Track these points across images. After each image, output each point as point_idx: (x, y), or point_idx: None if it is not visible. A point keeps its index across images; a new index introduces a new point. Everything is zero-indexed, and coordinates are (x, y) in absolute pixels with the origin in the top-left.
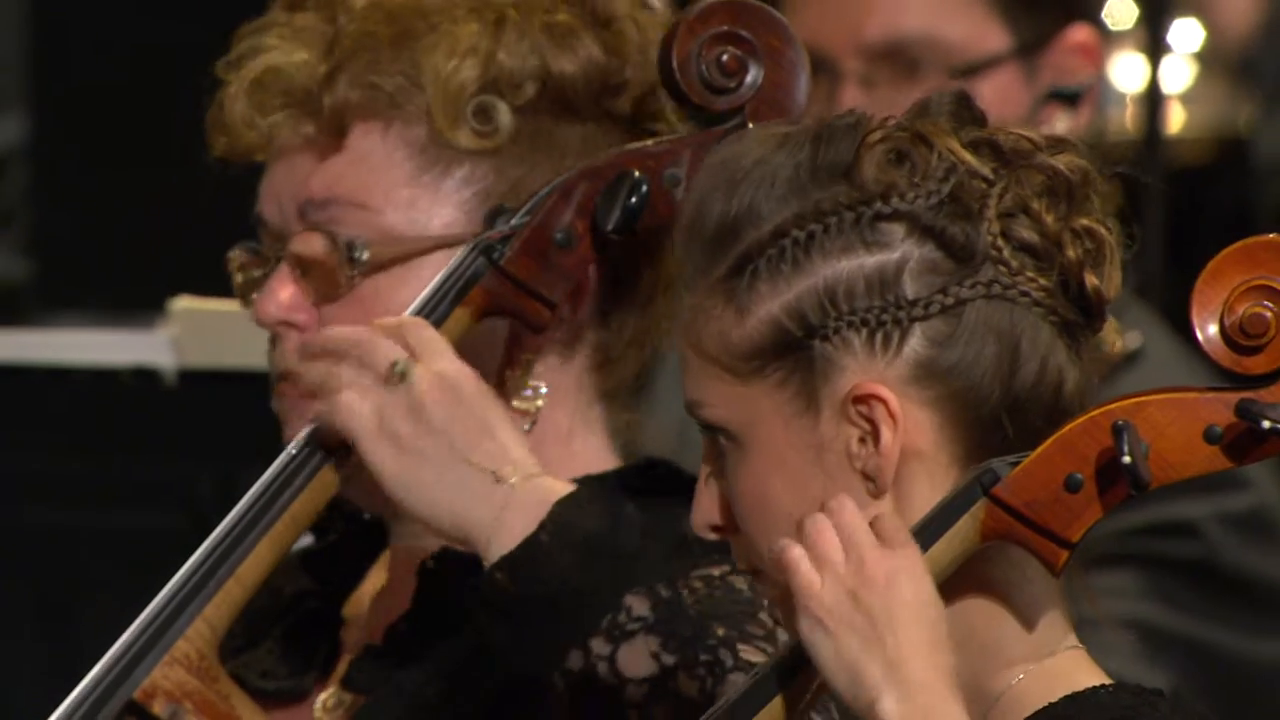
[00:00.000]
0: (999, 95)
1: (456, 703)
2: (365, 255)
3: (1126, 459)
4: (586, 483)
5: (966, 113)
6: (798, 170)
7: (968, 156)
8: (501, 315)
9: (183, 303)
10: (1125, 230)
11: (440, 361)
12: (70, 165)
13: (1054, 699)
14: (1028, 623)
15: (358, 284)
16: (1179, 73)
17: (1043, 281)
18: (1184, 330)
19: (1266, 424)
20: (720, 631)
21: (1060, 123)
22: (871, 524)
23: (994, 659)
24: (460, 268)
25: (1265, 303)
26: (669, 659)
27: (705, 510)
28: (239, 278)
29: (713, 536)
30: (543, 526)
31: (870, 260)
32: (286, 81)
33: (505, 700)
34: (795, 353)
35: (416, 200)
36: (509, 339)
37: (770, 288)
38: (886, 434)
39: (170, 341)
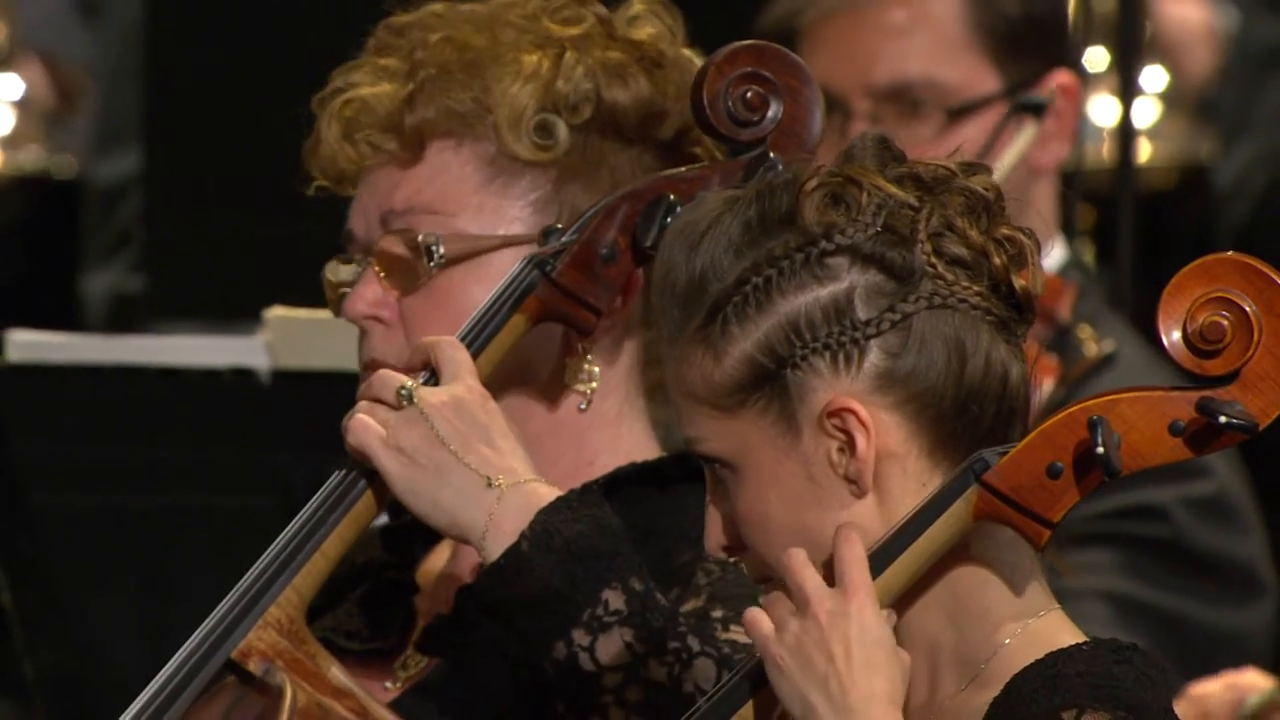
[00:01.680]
0: (988, 129)
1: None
2: (442, 250)
3: (1100, 449)
4: (593, 486)
5: (887, 153)
6: (748, 225)
7: (894, 190)
8: (553, 321)
9: (276, 312)
10: (1098, 248)
11: (456, 384)
12: (179, 193)
13: (1040, 656)
14: (1012, 591)
15: (435, 277)
16: (1148, 111)
17: (976, 288)
18: (1152, 337)
19: (1223, 419)
20: (694, 621)
21: (1026, 133)
22: (835, 557)
23: (983, 624)
24: (517, 279)
25: (1223, 313)
26: (641, 648)
27: (714, 534)
28: (331, 286)
29: (724, 556)
30: (524, 536)
31: (824, 292)
32: (372, 111)
33: None
34: (771, 383)
35: (485, 205)
36: (566, 332)
37: (740, 330)
38: (861, 440)
39: (265, 346)
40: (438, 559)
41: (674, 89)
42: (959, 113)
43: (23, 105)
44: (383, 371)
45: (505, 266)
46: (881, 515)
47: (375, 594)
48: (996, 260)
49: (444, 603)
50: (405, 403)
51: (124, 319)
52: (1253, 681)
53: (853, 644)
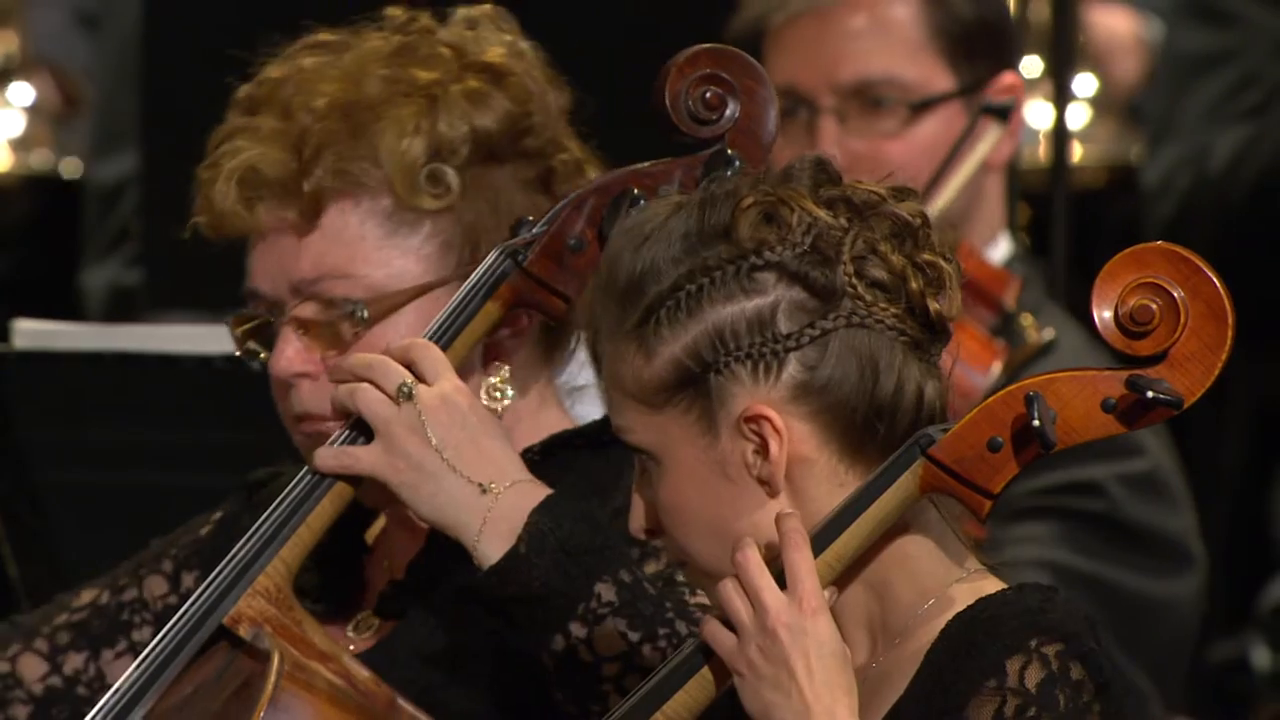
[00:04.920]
0: (945, 124)
1: (479, 618)
2: (365, 313)
3: (1036, 423)
4: (561, 487)
5: (823, 174)
6: (687, 233)
7: (821, 213)
8: (524, 307)
9: None
10: (1034, 242)
11: (442, 381)
12: (175, 192)
13: (970, 603)
14: (940, 560)
15: (362, 335)
16: (1080, 115)
17: (893, 310)
18: (1086, 324)
19: (1151, 394)
20: (663, 588)
21: (991, 133)
22: (787, 565)
23: (910, 590)
24: (491, 268)
25: (1152, 297)
26: (635, 636)
27: (637, 518)
28: (239, 340)
29: (644, 538)
30: (521, 539)
31: (750, 305)
32: (265, 176)
33: None
34: (695, 385)
35: (391, 259)
36: (486, 351)
37: (671, 333)
38: (774, 445)
39: None
40: (385, 520)
41: (523, 97)
42: (920, 108)
43: (33, 111)
44: (381, 358)
45: (426, 311)
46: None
47: (329, 554)
48: (914, 284)
49: (397, 568)
50: (404, 399)
51: (123, 310)
52: None
53: (812, 659)
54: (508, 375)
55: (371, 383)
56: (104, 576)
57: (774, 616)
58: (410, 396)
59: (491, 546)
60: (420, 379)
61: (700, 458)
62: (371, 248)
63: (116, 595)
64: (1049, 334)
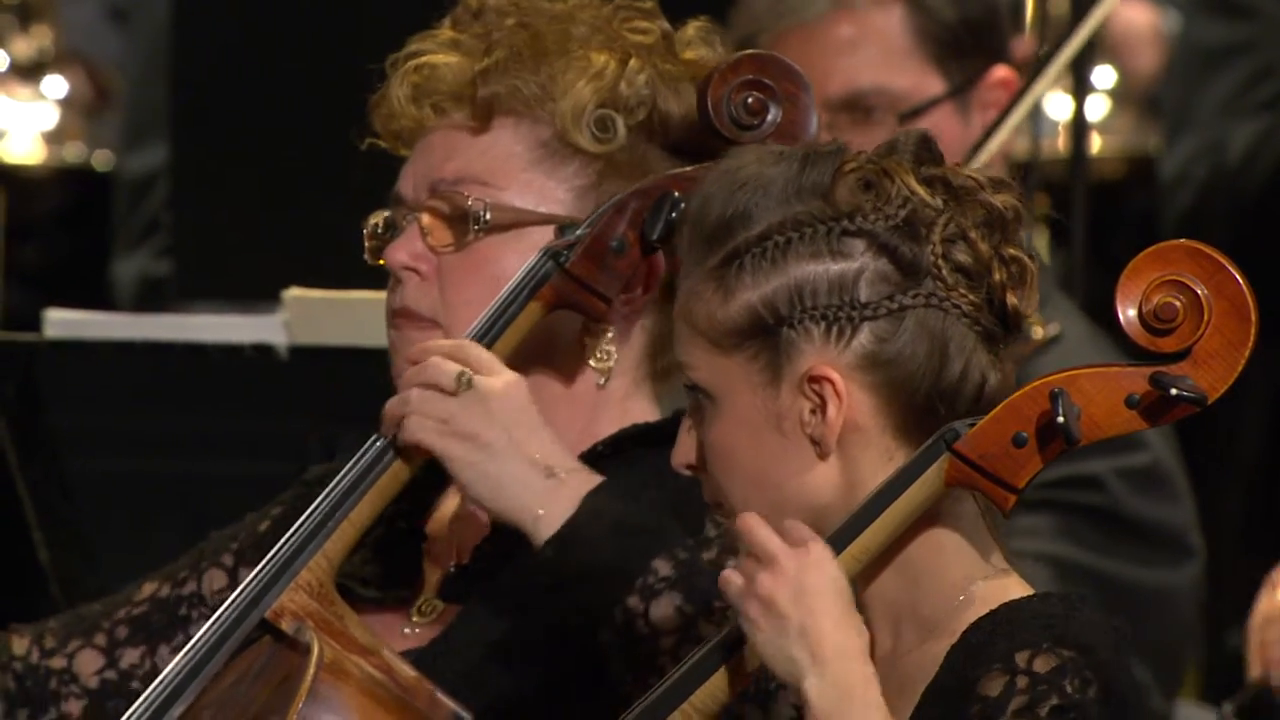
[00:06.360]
0: (937, 129)
1: (539, 604)
2: (488, 217)
3: (1061, 419)
4: (613, 472)
5: (926, 153)
6: (786, 185)
7: (921, 190)
8: (566, 308)
9: (294, 292)
10: (1054, 230)
11: (500, 373)
12: (204, 183)
13: (994, 608)
14: (969, 555)
15: (477, 241)
16: (1099, 107)
17: (972, 297)
18: (1103, 314)
19: (1174, 391)
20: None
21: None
22: (784, 529)
23: (940, 583)
24: (534, 269)
25: (1176, 294)
26: (690, 609)
27: (683, 452)
28: (371, 238)
29: (686, 473)
30: (578, 515)
31: (834, 267)
32: (443, 79)
33: None
34: (766, 335)
35: (531, 183)
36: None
37: (752, 280)
38: (832, 408)
39: (284, 324)
40: (448, 507)
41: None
42: (909, 116)
43: (65, 103)
44: (434, 359)
45: (540, 241)
46: (841, 480)
47: (389, 541)
48: (997, 276)
49: (461, 553)
50: (465, 389)
51: (152, 300)
52: None
53: (824, 593)
54: (612, 338)
55: (427, 385)
56: (164, 568)
57: (782, 556)
58: (470, 385)
59: (549, 528)
60: (474, 370)
61: (758, 406)
62: (518, 167)
63: (176, 589)
64: (1054, 329)
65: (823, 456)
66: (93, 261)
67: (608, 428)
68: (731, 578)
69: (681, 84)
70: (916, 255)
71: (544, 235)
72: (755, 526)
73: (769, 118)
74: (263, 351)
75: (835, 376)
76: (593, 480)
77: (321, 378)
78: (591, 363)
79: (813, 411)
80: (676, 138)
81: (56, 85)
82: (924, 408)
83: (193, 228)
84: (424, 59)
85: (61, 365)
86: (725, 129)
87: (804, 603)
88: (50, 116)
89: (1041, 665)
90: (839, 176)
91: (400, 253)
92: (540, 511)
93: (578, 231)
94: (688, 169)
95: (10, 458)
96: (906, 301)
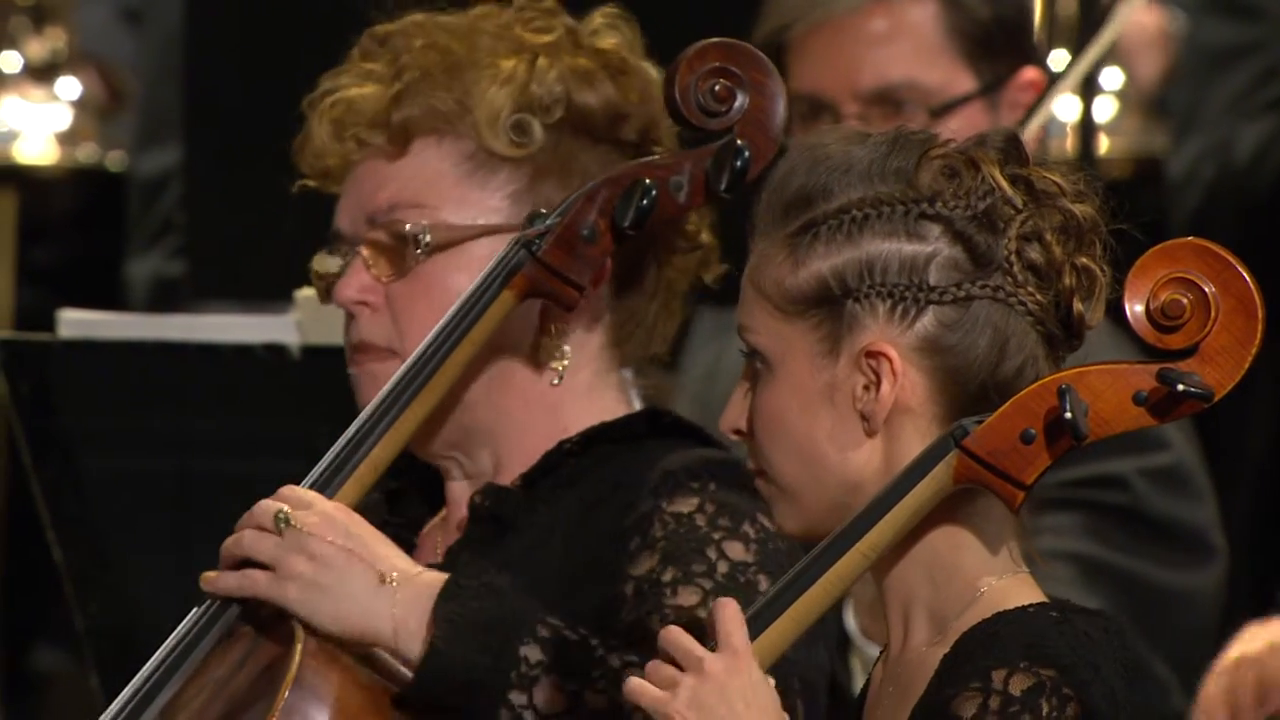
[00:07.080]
0: (967, 126)
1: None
2: (428, 239)
3: (1068, 415)
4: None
5: (1014, 151)
6: (870, 165)
7: (1005, 185)
8: (539, 297)
9: (305, 293)
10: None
11: (317, 504)
12: (216, 184)
13: (988, 616)
14: (984, 552)
15: (421, 264)
16: (1106, 108)
17: (1040, 298)
18: (1113, 314)
19: (1182, 388)
20: (646, 588)
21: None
22: (718, 622)
23: (955, 581)
24: (505, 258)
25: (1183, 292)
26: (572, 686)
27: (734, 416)
28: (318, 277)
29: (734, 437)
30: (435, 636)
31: (908, 247)
32: (360, 110)
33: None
34: (831, 306)
35: (465, 198)
36: (541, 313)
37: (825, 250)
38: (886, 386)
39: (295, 324)
40: (437, 519)
41: (636, 94)
42: (940, 111)
43: (79, 105)
44: (257, 506)
45: (484, 254)
46: (884, 459)
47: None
48: (1067, 281)
49: (439, 556)
50: (284, 526)
51: (165, 300)
52: None
53: (750, 699)
54: (563, 339)
55: (251, 528)
56: None
57: (708, 662)
58: (288, 522)
59: (410, 647)
60: (294, 507)
61: (813, 376)
62: (448, 184)
63: None
64: None
65: (869, 434)
66: (106, 262)
67: (576, 423)
68: (644, 688)
69: (595, 75)
70: (991, 247)
71: (487, 247)
72: (678, 638)
73: (736, 105)
74: (275, 351)
75: (893, 354)
76: (432, 580)
77: (334, 378)
78: (547, 362)
79: (866, 387)
80: (603, 129)
81: (70, 86)
82: (976, 398)
83: (205, 228)
84: (339, 94)
85: (75, 365)
86: (692, 116)
87: (733, 703)
88: (64, 118)
89: (1017, 686)
90: (924, 160)
91: (348, 289)
92: (393, 629)
93: (549, 220)
94: (655, 157)
95: (24, 457)
96: (975, 291)
